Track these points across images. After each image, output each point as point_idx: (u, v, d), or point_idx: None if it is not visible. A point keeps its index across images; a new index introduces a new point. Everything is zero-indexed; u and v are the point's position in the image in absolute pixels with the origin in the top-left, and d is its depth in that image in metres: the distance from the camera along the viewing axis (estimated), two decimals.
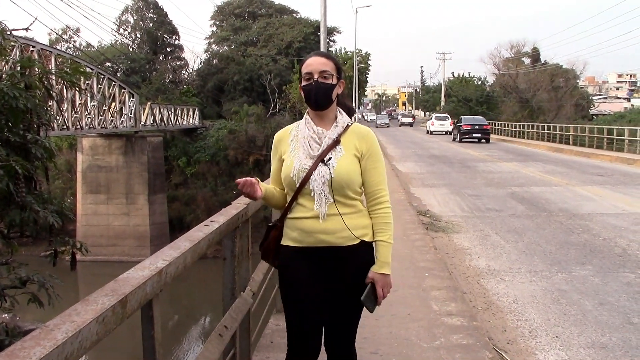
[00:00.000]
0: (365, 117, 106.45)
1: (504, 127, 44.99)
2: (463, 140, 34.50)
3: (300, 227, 2.58)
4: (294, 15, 69.52)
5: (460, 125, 35.65)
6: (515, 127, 42.33)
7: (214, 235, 2.69)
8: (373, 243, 2.62)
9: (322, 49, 17.33)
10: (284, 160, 2.65)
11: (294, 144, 2.65)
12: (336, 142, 2.59)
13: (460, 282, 5.94)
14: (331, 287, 2.59)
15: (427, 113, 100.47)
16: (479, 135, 34.63)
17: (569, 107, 56.61)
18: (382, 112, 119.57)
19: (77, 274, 31.75)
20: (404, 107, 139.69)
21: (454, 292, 5.27)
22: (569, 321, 5.01)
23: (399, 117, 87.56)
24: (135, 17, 56.70)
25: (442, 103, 76.82)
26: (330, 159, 2.55)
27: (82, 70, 4.43)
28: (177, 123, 40.59)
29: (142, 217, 33.15)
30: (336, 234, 2.55)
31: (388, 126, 68.84)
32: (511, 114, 56.51)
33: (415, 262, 6.39)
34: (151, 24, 56.31)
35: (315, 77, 2.58)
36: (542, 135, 35.45)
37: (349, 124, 2.65)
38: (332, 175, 2.53)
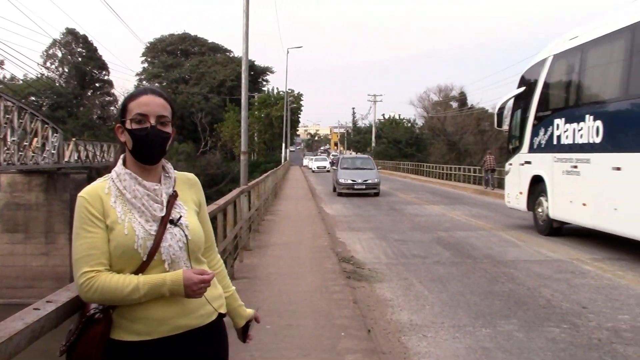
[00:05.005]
0: (309, 165, 73.72)
1: (433, 169, 45.65)
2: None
3: (148, 316, 2.00)
4: (227, 54, 69.63)
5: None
6: (442, 169, 43.01)
7: (43, 324, 1.86)
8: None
9: (243, 88, 16.91)
10: (110, 228, 2.01)
11: (121, 205, 2.06)
12: (175, 196, 2.17)
13: (380, 340, 5.58)
14: None
15: (359, 154, 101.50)
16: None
17: (494, 150, 58.25)
18: (331, 150, 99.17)
19: None
20: (335, 147, 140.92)
21: (370, 357, 4.88)
22: None
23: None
24: (63, 51, 55.31)
25: (373, 144, 77.84)
26: (180, 217, 2.12)
27: None
28: (104, 160, 39.43)
29: (62, 257, 31.55)
30: (195, 313, 2.08)
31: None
32: (439, 155, 57.73)
33: (332, 318, 5.99)
34: (79, 59, 54.98)
35: (152, 121, 2.11)
36: (468, 177, 36.09)
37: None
38: (189, 237, 2.11)
